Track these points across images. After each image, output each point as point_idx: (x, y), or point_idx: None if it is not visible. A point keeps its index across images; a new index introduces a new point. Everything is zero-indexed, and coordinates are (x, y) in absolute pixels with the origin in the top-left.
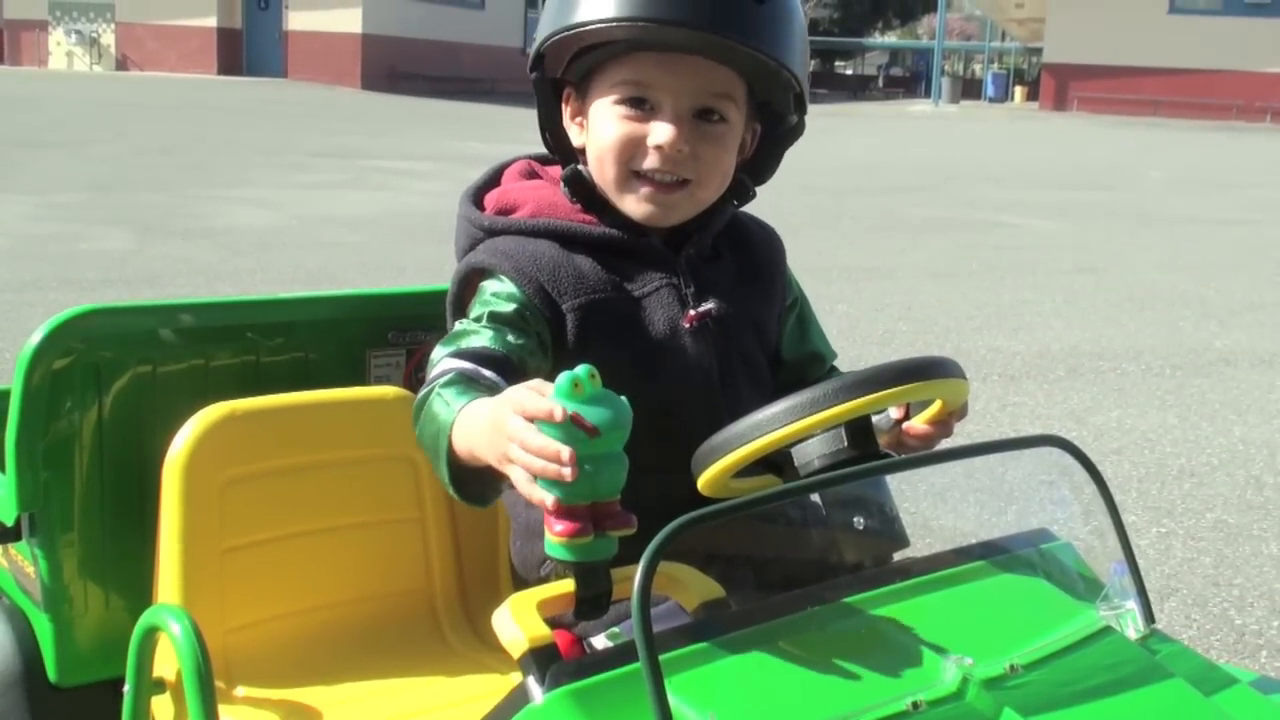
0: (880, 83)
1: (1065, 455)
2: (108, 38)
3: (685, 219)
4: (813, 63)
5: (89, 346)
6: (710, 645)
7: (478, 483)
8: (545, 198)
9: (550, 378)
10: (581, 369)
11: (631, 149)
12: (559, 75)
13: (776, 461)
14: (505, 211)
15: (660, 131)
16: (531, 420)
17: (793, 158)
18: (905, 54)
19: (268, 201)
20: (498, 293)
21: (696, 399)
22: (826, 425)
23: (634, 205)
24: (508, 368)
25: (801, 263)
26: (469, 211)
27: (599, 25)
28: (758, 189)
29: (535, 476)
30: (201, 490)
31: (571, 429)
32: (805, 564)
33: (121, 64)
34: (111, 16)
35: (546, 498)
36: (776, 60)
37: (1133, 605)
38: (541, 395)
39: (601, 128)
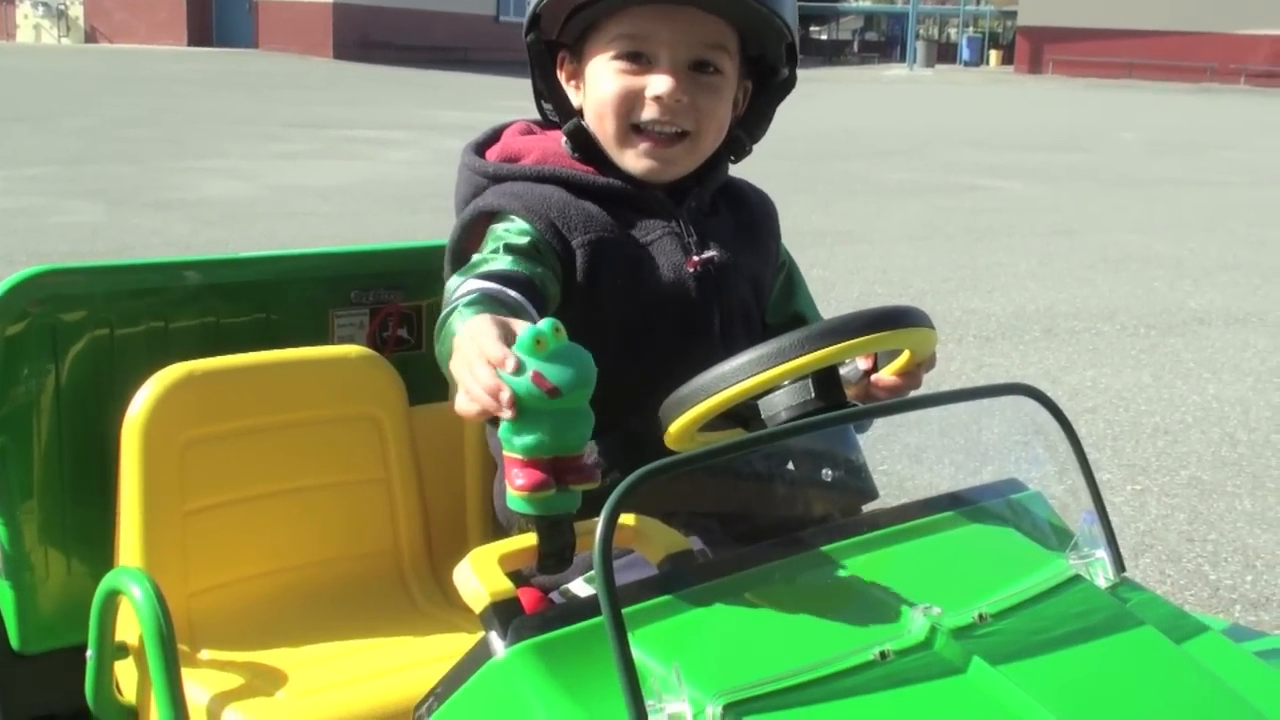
0: (855, 48)
1: (1037, 413)
2: (75, 10)
3: (685, 173)
4: None
5: (44, 310)
6: (675, 598)
7: None
8: (549, 148)
9: (562, 312)
10: (546, 323)
11: (630, 102)
12: (554, 37)
13: (743, 414)
14: (510, 160)
15: (659, 83)
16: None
17: None
18: (880, 19)
19: (240, 172)
20: (509, 229)
21: (696, 345)
22: (793, 375)
23: (634, 161)
24: (531, 289)
25: None
26: (472, 161)
27: None
28: (757, 140)
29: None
30: (161, 452)
31: (531, 387)
32: (773, 516)
33: (90, 36)
34: None
35: (470, 408)
36: (768, 8)
37: (1102, 554)
38: (502, 340)
39: (600, 83)
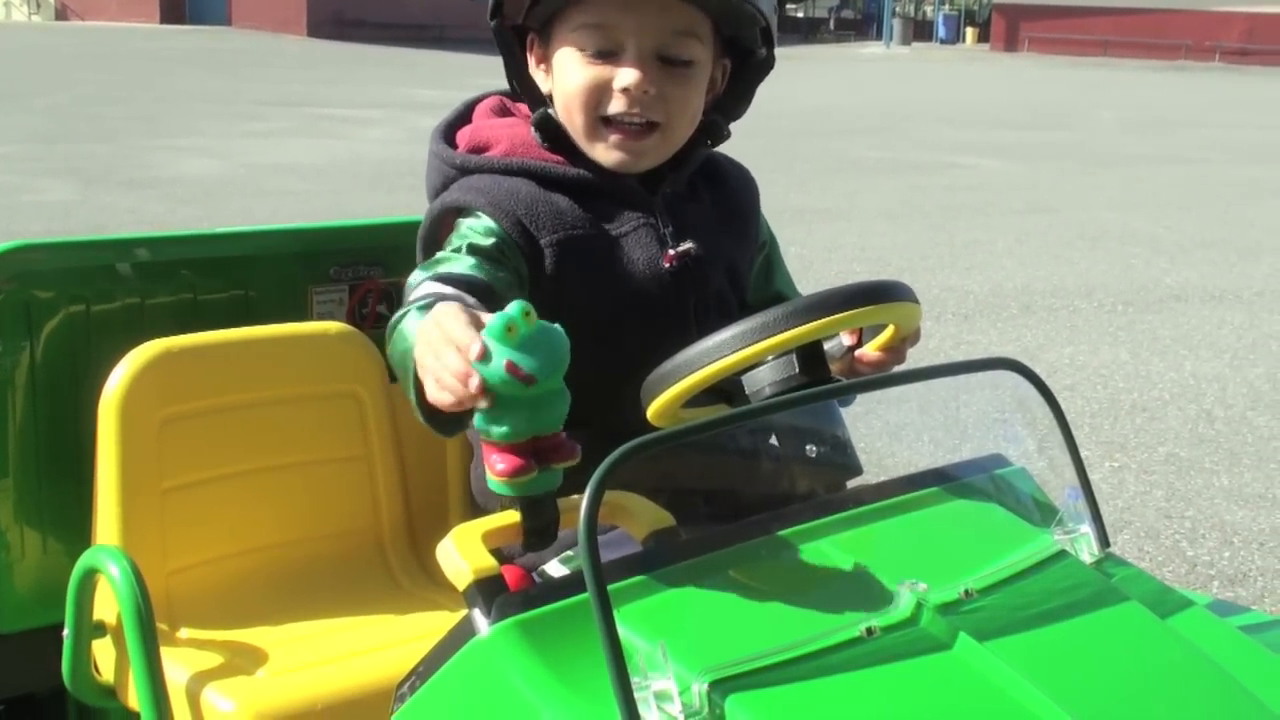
0: (831, 25)
1: (1019, 387)
2: None
3: (657, 164)
4: None
5: (18, 285)
6: (660, 575)
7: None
8: (519, 136)
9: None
10: (515, 307)
11: (598, 95)
12: (520, 22)
13: (727, 390)
14: (478, 149)
15: (625, 75)
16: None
17: None
18: None
19: (214, 151)
20: (474, 228)
21: (671, 339)
22: (778, 350)
23: (604, 153)
24: (490, 296)
25: None
26: (441, 149)
27: None
28: (737, 118)
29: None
30: (138, 429)
31: (505, 376)
32: (757, 492)
33: (61, 13)
34: None
35: (444, 398)
36: None
37: (1087, 529)
38: (471, 325)
39: (566, 75)
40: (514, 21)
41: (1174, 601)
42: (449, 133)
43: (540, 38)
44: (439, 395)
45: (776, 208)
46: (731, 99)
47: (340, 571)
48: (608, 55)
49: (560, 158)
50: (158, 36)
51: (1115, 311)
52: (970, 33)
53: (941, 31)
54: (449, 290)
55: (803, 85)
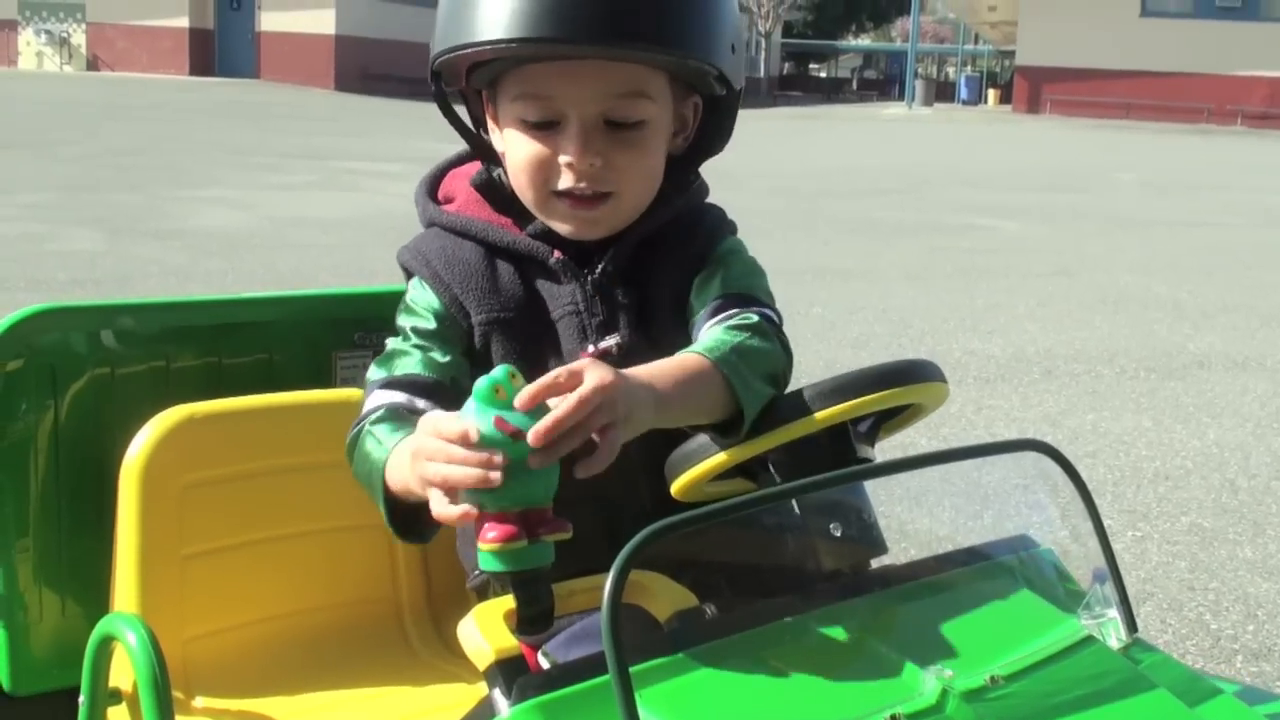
0: (854, 85)
1: (1043, 460)
2: (78, 38)
3: (617, 229)
4: (786, 65)
5: (43, 347)
6: (683, 656)
7: (417, 520)
8: (475, 194)
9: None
10: (500, 371)
11: (544, 170)
12: (462, 86)
13: (750, 467)
14: (446, 200)
15: (568, 149)
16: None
17: (765, 160)
18: (879, 57)
19: (239, 202)
20: (417, 300)
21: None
22: (804, 434)
23: (559, 224)
24: (440, 393)
25: (775, 265)
26: (420, 196)
27: (485, 46)
28: (719, 152)
29: (459, 489)
30: (160, 495)
31: (494, 432)
32: (781, 572)
33: (92, 64)
34: (82, 16)
35: (471, 511)
36: (677, 54)
37: (1114, 614)
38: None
39: (512, 147)
40: (457, 86)
41: (1203, 690)
42: (440, 174)
43: (490, 95)
44: (448, 512)
45: (798, 268)
46: (708, 137)
47: (358, 641)
48: (549, 125)
49: (508, 219)
50: (187, 88)
51: (1138, 377)
52: (992, 94)
53: (964, 93)
54: (400, 397)
55: (825, 145)
